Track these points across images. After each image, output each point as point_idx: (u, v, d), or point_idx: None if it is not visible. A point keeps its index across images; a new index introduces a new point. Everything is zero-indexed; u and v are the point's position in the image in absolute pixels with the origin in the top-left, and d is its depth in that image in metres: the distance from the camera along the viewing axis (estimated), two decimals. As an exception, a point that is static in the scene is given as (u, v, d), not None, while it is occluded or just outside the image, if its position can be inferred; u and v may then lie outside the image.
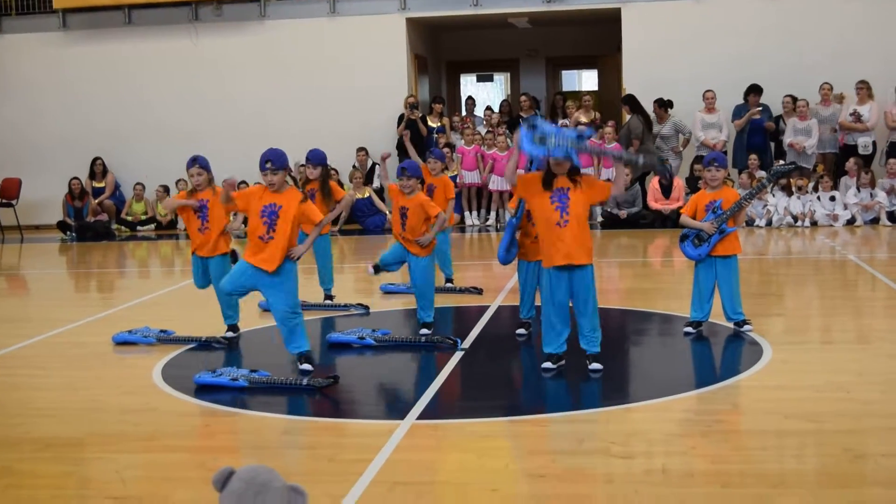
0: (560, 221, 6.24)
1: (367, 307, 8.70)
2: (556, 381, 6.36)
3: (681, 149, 16.22)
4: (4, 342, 8.03)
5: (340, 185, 16.61)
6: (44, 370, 7.17)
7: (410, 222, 7.70)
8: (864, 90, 15.31)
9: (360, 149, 17.10)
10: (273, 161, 6.48)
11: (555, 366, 6.45)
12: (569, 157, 6.14)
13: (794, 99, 15.55)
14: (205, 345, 7.63)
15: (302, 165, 9.33)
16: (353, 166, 17.07)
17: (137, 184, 17.88)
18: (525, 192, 6.41)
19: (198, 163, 7.74)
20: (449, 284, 9.78)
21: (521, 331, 7.62)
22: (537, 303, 7.51)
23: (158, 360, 7.23)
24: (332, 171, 16.04)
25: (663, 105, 15.91)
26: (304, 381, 6.27)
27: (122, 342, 7.80)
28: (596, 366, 6.40)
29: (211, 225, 7.69)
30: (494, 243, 14.42)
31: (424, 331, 7.74)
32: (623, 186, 6.61)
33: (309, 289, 9.25)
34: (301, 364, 6.63)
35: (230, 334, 7.81)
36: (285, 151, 6.64)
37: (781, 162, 7.33)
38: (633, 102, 16.00)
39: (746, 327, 7.46)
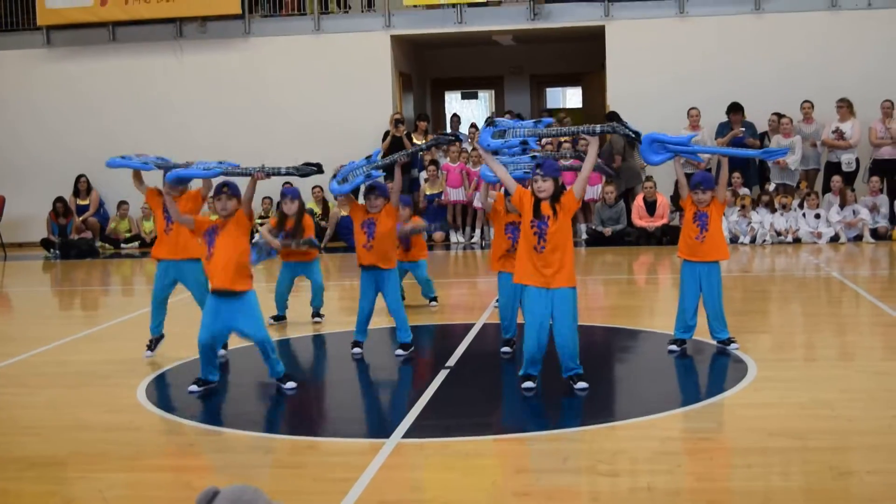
0: (537, 247, 6.27)
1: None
2: (540, 399, 6.35)
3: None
4: (-13, 361, 8.00)
5: (325, 204, 16.87)
6: (27, 388, 7.13)
7: None
8: (845, 108, 15.41)
9: (345, 166, 17.07)
10: (229, 186, 6.54)
11: (534, 385, 6.44)
12: (525, 142, 6.34)
13: (780, 116, 15.63)
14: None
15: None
16: (338, 183, 17.04)
17: (122, 202, 17.82)
18: (519, 204, 6.42)
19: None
20: (434, 304, 9.81)
21: (505, 349, 7.61)
22: (520, 320, 7.53)
23: (143, 378, 7.20)
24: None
25: (613, 119, 15.98)
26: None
27: (117, 167, 7.77)
28: (582, 385, 6.38)
29: (174, 226, 7.48)
30: (480, 261, 14.43)
31: (400, 351, 7.66)
32: (584, 180, 6.31)
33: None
34: (285, 384, 6.67)
35: None
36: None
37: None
38: (616, 119, 16.04)
39: (732, 346, 7.46)
